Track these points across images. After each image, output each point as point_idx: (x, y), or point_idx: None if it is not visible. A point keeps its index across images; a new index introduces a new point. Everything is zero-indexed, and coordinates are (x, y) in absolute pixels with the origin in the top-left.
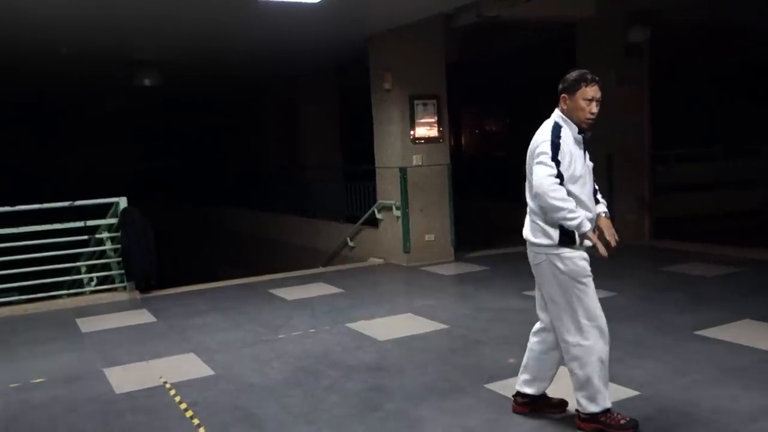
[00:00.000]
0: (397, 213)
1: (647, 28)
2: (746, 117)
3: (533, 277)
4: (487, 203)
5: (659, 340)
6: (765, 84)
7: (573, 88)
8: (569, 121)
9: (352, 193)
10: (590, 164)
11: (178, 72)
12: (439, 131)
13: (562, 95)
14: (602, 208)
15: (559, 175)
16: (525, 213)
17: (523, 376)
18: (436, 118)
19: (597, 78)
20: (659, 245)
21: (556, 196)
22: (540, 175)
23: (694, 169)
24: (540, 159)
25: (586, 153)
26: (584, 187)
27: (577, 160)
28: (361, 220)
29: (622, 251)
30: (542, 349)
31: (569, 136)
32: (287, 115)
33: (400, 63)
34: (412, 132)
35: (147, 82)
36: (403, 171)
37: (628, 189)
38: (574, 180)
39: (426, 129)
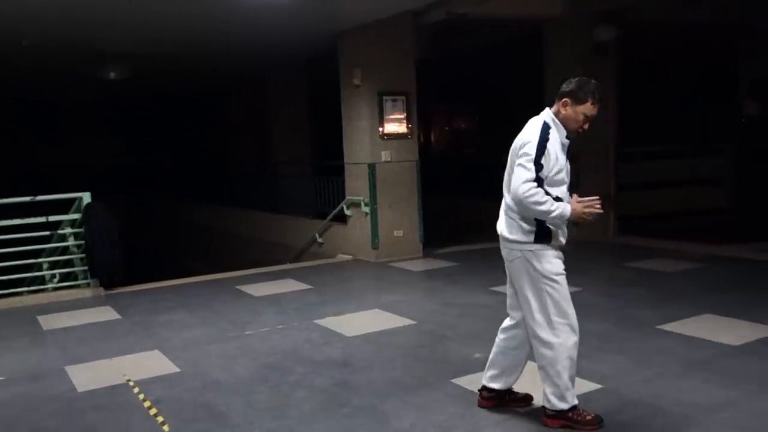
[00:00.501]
0: (366, 209)
1: (614, 27)
2: (712, 115)
3: (501, 273)
4: (456, 199)
5: (623, 335)
6: (731, 83)
7: (580, 99)
8: (559, 123)
9: (321, 189)
10: (569, 167)
11: (146, 66)
12: (408, 127)
13: (565, 99)
14: None
15: (538, 179)
16: (494, 209)
17: (490, 372)
18: (405, 114)
19: (600, 97)
20: (624, 241)
21: (533, 200)
22: (517, 180)
23: (659, 167)
24: (521, 161)
25: (568, 158)
26: (561, 189)
27: (561, 162)
28: (329, 216)
29: (588, 247)
30: (510, 346)
31: (556, 138)
32: (257, 110)
33: (370, 59)
34: (381, 128)
35: (112, 75)
36: (371, 167)
37: (593, 186)
38: (556, 183)
39: (395, 125)
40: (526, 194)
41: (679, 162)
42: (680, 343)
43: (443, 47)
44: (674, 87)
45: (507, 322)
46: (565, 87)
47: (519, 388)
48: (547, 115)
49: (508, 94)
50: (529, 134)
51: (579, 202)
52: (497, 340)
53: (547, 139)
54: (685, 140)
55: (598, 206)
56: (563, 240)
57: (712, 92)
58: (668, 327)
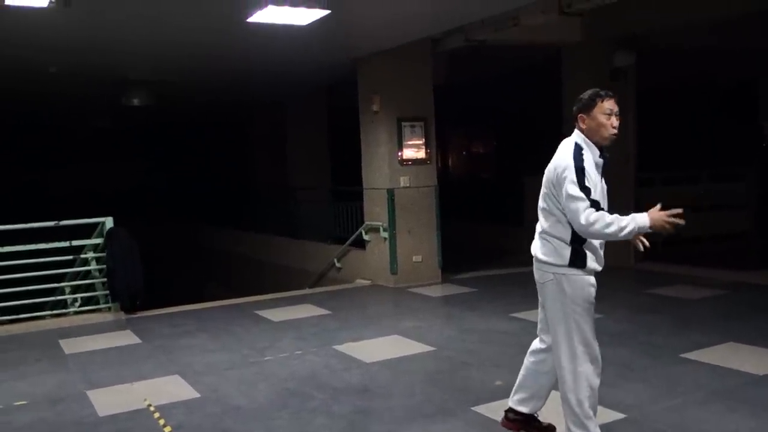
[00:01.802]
0: (385, 234)
1: (633, 53)
2: (733, 139)
3: (520, 299)
4: (474, 225)
5: (645, 363)
6: (751, 106)
7: (589, 106)
8: (590, 143)
9: (340, 214)
10: (604, 187)
11: (168, 92)
12: (426, 153)
13: (579, 115)
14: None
15: (593, 203)
16: (512, 234)
17: (518, 395)
18: (424, 140)
19: (612, 93)
20: (644, 268)
21: (599, 227)
22: (575, 215)
23: (679, 192)
24: (569, 191)
25: (603, 177)
26: None
27: (597, 185)
28: (348, 242)
29: (609, 274)
30: (541, 369)
31: (590, 159)
32: (276, 135)
33: (388, 85)
34: (399, 153)
35: (136, 101)
36: (390, 192)
37: (613, 211)
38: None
39: (413, 151)
40: (590, 224)
41: (699, 187)
42: (704, 371)
43: (461, 73)
44: (694, 111)
45: (536, 345)
46: (575, 106)
47: (544, 417)
48: (577, 136)
49: (526, 120)
50: (563, 158)
51: (659, 212)
52: (526, 362)
53: (583, 160)
54: (705, 165)
55: (681, 220)
56: (597, 266)
57: (732, 116)
58: (692, 355)
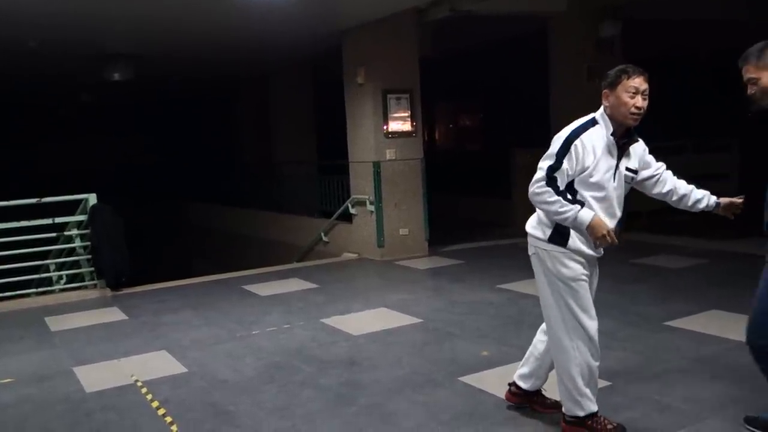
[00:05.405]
0: (371, 208)
1: (619, 23)
2: (718, 110)
3: (507, 270)
4: (461, 197)
5: (629, 332)
6: (737, 77)
7: (614, 82)
8: (608, 119)
9: (326, 188)
10: (623, 173)
11: (151, 67)
12: (412, 125)
13: (604, 91)
14: (709, 197)
15: (551, 179)
16: (498, 206)
17: (521, 370)
18: (410, 112)
19: (642, 70)
20: (628, 238)
21: (539, 199)
22: (533, 181)
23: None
24: (543, 157)
25: (622, 160)
26: (603, 200)
27: (601, 164)
28: (335, 215)
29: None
30: (542, 348)
31: (600, 137)
32: (262, 110)
33: (373, 57)
34: (385, 126)
35: (116, 76)
36: (376, 165)
37: None
38: (590, 187)
39: (399, 123)
40: (534, 192)
41: (684, 157)
42: (687, 339)
43: (447, 45)
44: (678, 82)
45: (544, 325)
46: (602, 82)
47: (552, 394)
48: (599, 111)
49: (512, 91)
50: (567, 128)
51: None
52: (535, 339)
53: (579, 134)
54: (690, 135)
55: (612, 240)
56: (585, 249)
57: (717, 87)
58: (675, 323)
